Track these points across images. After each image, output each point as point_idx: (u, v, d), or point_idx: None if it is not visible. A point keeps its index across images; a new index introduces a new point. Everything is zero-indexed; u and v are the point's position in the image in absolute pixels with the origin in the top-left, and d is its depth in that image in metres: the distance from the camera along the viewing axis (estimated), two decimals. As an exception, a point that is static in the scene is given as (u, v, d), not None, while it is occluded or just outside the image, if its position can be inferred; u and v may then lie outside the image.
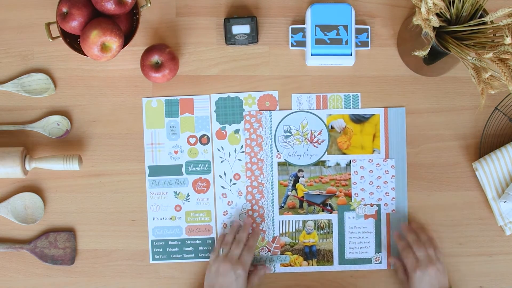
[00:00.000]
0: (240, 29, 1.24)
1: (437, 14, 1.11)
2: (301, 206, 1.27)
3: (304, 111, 1.27)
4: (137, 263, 1.26)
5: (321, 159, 1.27)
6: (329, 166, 1.27)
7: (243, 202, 1.26)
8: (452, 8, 1.11)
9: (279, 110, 1.27)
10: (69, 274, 1.25)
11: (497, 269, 1.26)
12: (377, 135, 1.27)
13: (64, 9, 1.16)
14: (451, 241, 1.27)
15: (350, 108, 1.27)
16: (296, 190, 1.27)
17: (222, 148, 1.27)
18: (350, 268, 1.26)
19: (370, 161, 1.27)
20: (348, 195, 1.27)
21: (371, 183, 1.27)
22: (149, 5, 1.21)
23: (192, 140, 1.27)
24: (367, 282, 1.26)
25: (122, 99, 1.27)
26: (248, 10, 1.28)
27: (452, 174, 1.27)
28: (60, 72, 1.27)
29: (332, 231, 1.26)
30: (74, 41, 1.23)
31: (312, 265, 1.26)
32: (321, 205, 1.27)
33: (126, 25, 1.22)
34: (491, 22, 1.10)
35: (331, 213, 1.26)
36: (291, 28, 1.25)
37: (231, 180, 1.27)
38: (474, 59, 1.08)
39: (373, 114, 1.27)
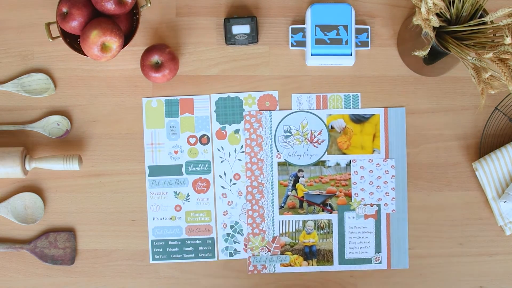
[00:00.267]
0: (240, 29, 1.25)
1: (437, 14, 1.11)
2: (301, 206, 1.27)
3: (304, 111, 1.27)
4: (137, 263, 1.26)
5: (321, 159, 1.27)
6: (329, 166, 1.27)
7: (243, 202, 1.26)
8: (452, 8, 1.11)
9: (279, 110, 1.27)
10: (69, 274, 1.25)
11: (497, 269, 1.26)
12: (377, 135, 1.27)
13: (64, 9, 1.16)
14: (451, 241, 1.27)
15: (350, 108, 1.27)
16: (296, 190, 1.27)
17: (222, 148, 1.27)
18: (350, 268, 1.26)
19: (370, 161, 1.27)
20: (348, 195, 1.27)
21: (371, 183, 1.27)
22: (149, 5, 1.21)
23: (192, 140, 1.27)
24: (367, 282, 1.26)
25: (122, 99, 1.27)
26: (248, 10, 1.28)
27: (452, 174, 1.27)
28: (60, 72, 1.27)
29: (332, 231, 1.27)
30: (74, 41, 1.23)
31: (312, 265, 1.26)
32: (321, 205, 1.27)
33: (126, 25, 1.22)
34: (491, 22, 1.10)
35: (331, 213, 1.27)
36: (291, 28, 1.25)
37: (231, 180, 1.27)
38: (474, 59, 1.08)
39: (373, 114, 1.27)
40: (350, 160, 1.27)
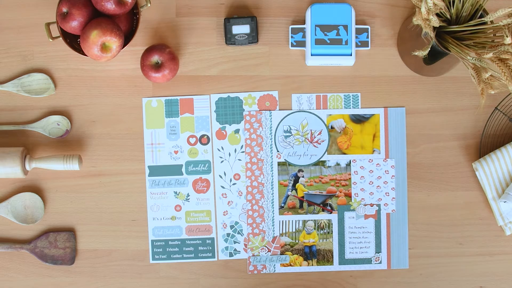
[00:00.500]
0: (240, 29, 1.25)
1: (437, 14, 1.11)
2: (301, 206, 1.27)
3: (304, 111, 1.27)
4: (137, 263, 1.26)
5: (321, 159, 1.27)
6: (329, 166, 1.27)
7: (243, 202, 1.26)
8: (452, 8, 1.11)
9: (279, 110, 1.27)
10: (69, 274, 1.25)
11: (497, 269, 1.26)
12: (377, 135, 1.27)
13: (64, 9, 1.16)
14: (451, 241, 1.27)
15: (350, 108, 1.27)
16: (296, 190, 1.27)
17: (222, 148, 1.27)
18: (350, 268, 1.26)
19: (370, 161, 1.27)
20: (348, 195, 1.27)
21: (371, 183, 1.27)
22: (149, 5, 1.21)
23: (192, 140, 1.27)
24: (367, 282, 1.26)
25: (122, 99, 1.27)
26: (248, 10, 1.28)
27: (452, 174, 1.27)
28: (60, 72, 1.27)
29: (332, 231, 1.27)
30: (74, 41, 1.23)
31: (312, 265, 1.26)
32: (321, 205, 1.27)
33: (126, 25, 1.22)
34: (491, 22, 1.10)
35: (331, 213, 1.27)
36: (291, 28, 1.25)
37: (231, 180, 1.27)
38: (474, 59, 1.08)
39: (373, 114, 1.27)
40: (350, 160, 1.27)
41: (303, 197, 1.27)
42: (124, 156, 1.26)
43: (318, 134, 1.27)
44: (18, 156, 1.19)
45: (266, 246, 1.26)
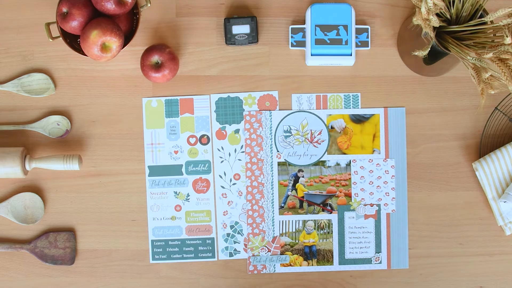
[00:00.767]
0: (240, 29, 1.25)
1: (437, 14, 1.11)
2: (301, 206, 1.27)
3: (304, 111, 1.27)
4: (137, 263, 1.26)
5: (321, 159, 1.27)
6: (329, 166, 1.27)
7: (243, 202, 1.26)
8: (452, 8, 1.11)
9: (279, 110, 1.27)
10: (69, 274, 1.25)
11: (497, 269, 1.26)
12: (377, 135, 1.27)
13: (64, 9, 1.16)
14: (451, 241, 1.27)
15: (350, 108, 1.27)
16: (296, 190, 1.27)
17: (222, 148, 1.27)
18: (350, 268, 1.26)
19: (370, 161, 1.27)
20: (348, 195, 1.27)
21: (371, 183, 1.27)
22: (149, 5, 1.21)
23: (192, 140, 1.27)
24: (367, 282, 1.26)
25: (122, 99, 1.27)
26: (248, 10, 1.28)
27: (452, 174, 1.27)
28: (60, 72, 1.27)
29: (332, 231, 1.26)
30: (74, 41, 1.23)
31: (312, 265, 1.26)
32: (321, 205, 1.27)
33: (126, 25, 1.22)
34: (491, 22, 1.10)
35: (331, 213, 1.27)
36: (291, 28, 1.25)
37: (231, 180, 1.27)
38: (474, 59, 1.08)
39: (373, 114, 1.27)
40: (350, 160, 1.27)
41: (303, 197, 1.27)
42: (124, 156, 1.26)
43: (318, 134, 1.27)
44: (18, 156, 1.19)
45: (266, 246, 1.26)
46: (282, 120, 1.27)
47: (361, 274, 1.26)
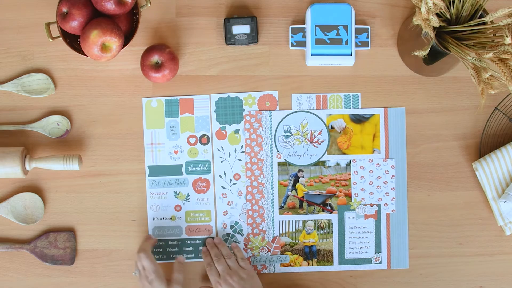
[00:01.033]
0: (240, 29, 1.25)
1: (437, 14, 1.11)
2: (301, 206, 1.27)
3: (304, 111, 1.27)
4: (137, 263, 1.26)
5: (321, 159, 1.27)
6: (329, 166, 1.27)
7: (243, 202, 1.26)
8: (452, 8, 1.11)
9: (279, 110, 1.27)
10: (69, 274, 1.25)
11: (497, 269, 1.26)
12: (377, 135, 1.27)
13: (64, 9, 1.16)
14: (451, 241, 1.27)
15: (350, 108, 1.27)
16: (296, 190, 1.27)
17: (222, 148, 1.27)
18: (350, 268, 1.26)
19: (370, 161, 1.27)
20: (348, 195, 1.27)
21: (371, 183, 1.27)
22: (149, 5, 1.21)
23: (192, 140, 1.27)
24: (367, 282, 1.26)
25: (122, 99, 1.27)
26: (248, 10, 1.28)
27: (452, 174, 1.27)
28: (60, 72, 1.27)
29: (332, 231, 1.26)
30: (74, 41, 1.23)
31: (312, 265, 1.26)
32: (321, 205, 1.27)
33: (126, 25, 1.22)
34: (491, 22, 1.10)
35: (331, 213, 1.26)
36: (291, 28, 1.25)
37: (231, 180, 1.27)
38: (474, 59, 1.08)
39: (373, 114, 1.27)
40: (350, 160, 1.27)
41: (303, 197, 1.27)
42: (124, 156, 1.26)
43: (318, 134, 1.27)
44: (18, 156, 1.19)
45: (266, 246, 1.26)
46: (282, 120, 1.27)
47: (361, 274, 1.26)
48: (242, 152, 1.27)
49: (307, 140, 1.27)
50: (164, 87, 1.27)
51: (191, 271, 1.26)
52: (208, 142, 1.27)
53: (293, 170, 1.27)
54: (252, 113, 1.27)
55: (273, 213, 1.26)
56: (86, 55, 1.18)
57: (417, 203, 1.27)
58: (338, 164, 1.27)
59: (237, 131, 1.27)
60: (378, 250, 1.26)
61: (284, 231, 1.26)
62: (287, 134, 1.27)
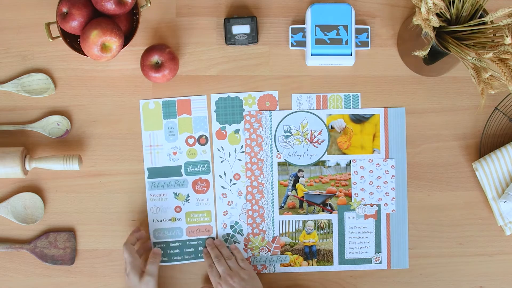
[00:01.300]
0: (240, 29, 1.25)
1: (437, 14, 1.11)
2: (301, 206, 1.27)
3: (304, 111, 1.27)
4: (137, 263, 1.25)
5: (321, 159, 1.27)
6: (329, 166, 1.27)
7: (243, 202, 1.26)
8: (452, 8, 1.11)
9: (279, 110, 1.27)
10: (69, 274, 1.25)
11: (497, 269, 1.26)
12: (377, 135, 1.27)
13: (64, 9, 1.16)
14: (451, 241, 1.27)
15: (350, 108, 1.27)
16: (296, 190, 1.27)
17: (222, 148, 1.27)
18: (350, 268, 1.26)
19: (370, 161, 1.27)
20: (348, 195, 1.27)
21: (371, 183, 1.27)
22: (149, 5, 1.21)
23: (191, 141, 1.26)
24: (367, 282, 1.26)
25: (122, 99, 1.27)
26: (248, 10, 1.28)
27: (452, 174, 1.27)
28: (60, 72, 1.27)
29: (332, 231, 1.26)
30: (74, 41, 1.23)
31: (312, 265, 1.26)
32: (321, 205, 1.27)
33: (126, 25, 1.22)
34: (491, 22, 1.10)
35: (331, 213, 1.26)
36: (291, 28, 1.25)
37: (231, 180, 1.27)
38: (474, 59, 1.08)
39: (373, 114, 1.27)
40: (350, 160, 1.27)
41: (303, 197, 1.27)
42: (124, 156, 1.26)
43: (318, 134, 1.27)
44: (18, 156, 1.19)
45: (266, 246, 1.26)
46: (282, 120, 1.27)
47: (361, 274, 1.26)
48: (242, 152, 1.27)
49: (307, 140, 1.27)
50: (164, 87, 1.27)
51: (192, 272, 1.26)
52: (207, 142, 1.27)
53: (293, 170, 1.27)
54: (252, 113, 1.27)
55: (273, 213, 1.26)
56: (86, 55, 1.18)
57: (417, 203, 1.27)
58: (338, 164, 1.27)
59: (237, 131, 1.27)
60: (378, 250, 1.26)
61: (284, 231, 1.26)
62: (287, 134, 1.27)
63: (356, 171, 1.27)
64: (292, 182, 1.27)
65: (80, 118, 1.26)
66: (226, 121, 1.27)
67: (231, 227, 1.26)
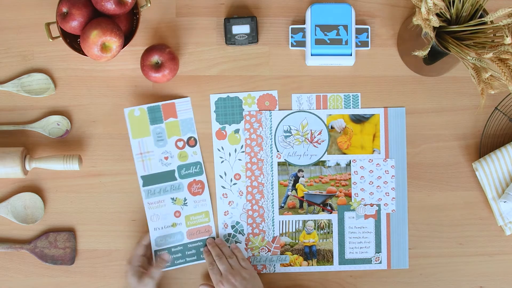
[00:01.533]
0: (240, 29, 1.24)
1: (437, 14, 1.11)
2: (301, 206, 1.27)
3: (304, 111, 1.27)
4: (137, 263, 1.25)
5: (321, 159, 1.27)
6: (329, 166, 1.27)
7: (243, 202, 1.26)
8: (452, 8, 1.11)
9: (279, 110, 1.27)
10: (69, 274, 1.25)
11: (497, 269, 1.26)
12: (377, 135, 1.27)
13: (64, 9, 1.16)
14: (451, 241, 1.27)
15: (350, 108, 1.27)
16: (296, 190, 1.27)
17: (222, 148, 1.27)
18: (350, 268, 1.26)
19: (370, 161, 1.27)
20: (348, 195, 1.27)
21: (371, 183, 1.27)
22: (149, 5, 1.21)
23: (180, 144, 1.26)
24: (367, 282, 1.26)
25: (122, 99, 1.27)
26: (248, 10, 1.28)
27: (452, 174, 1.27)
28: (60, 72, 1.27)
29: (332, 231, 1.26)
30: (74, 41, 1.23)
31: (312, 265, 1.26)
32: (321, 205, 1.27)
33: (126, 25, 1.22)
34: (491, 22, 1.10)
35: (331, 213, 1.26)
36: (291, 28, 1.25)
37: (231, 180, 1.26)
38: (474, 59, 1.08)
39: (373, 114, 1.27)
40: (350, 160, 1.27)
41: (303, 197, 1.27)
42: (124, 156, 1.26)
43: (318, 134, 1.27)
44: (18, 156, 1.19)
45: (266, 246, 1.26)
46: (282, 120, 1.27)
47: (361, 274, 1.26)
48: (242, 152, 1.27)
49: (307, 140, 1.27)
50: (164, 87, 1.27)
51: (192, 272, 1.26)
52: (196, 144, 1.26)
53: (293, 170, 1.27)
54: (252, 113, 1.27)
55: (273, 213, 1.26)
56: (86, 55, 1.18)
57: (417, 203, 1.27)
58: (338, 164, 1.27)
59: (237, 131, 1.27)
60: (378, 250, 1.26)
61: (284, 231, 1.26)
62: (287, 134, 1.27)
63: (356, 171, 1.27)
64: (292, 182, 1.27)
65: (80, 118, 1.26)
66: (226, 121, 1.27)
67: (232, 227, 1.26)
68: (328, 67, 1.27)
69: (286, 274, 1.26)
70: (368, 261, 1.26)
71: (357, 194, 1.27)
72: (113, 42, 1.15)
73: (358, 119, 1.27)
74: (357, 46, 1.25)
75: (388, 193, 1.27)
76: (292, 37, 1.25)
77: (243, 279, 1.16)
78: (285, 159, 1.27)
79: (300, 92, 1.27)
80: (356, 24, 1.27)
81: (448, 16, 1.12)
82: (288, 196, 1.27)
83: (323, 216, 1.27)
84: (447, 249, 1.27)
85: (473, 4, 1.10)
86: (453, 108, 1.27)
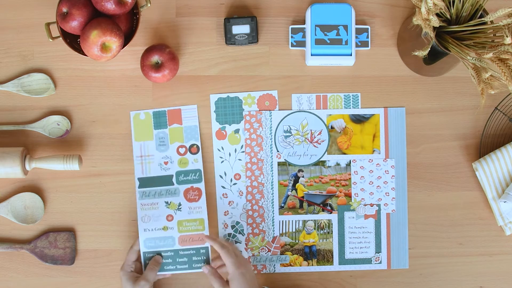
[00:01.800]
0: (240, 29, 1.25)
1: (437, 14, 1.11)
2: (301, 206, 1.27)
3: (304, 111, 1.27)
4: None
5: (321, 159, 1.27)
6: (329, 166, 1.27)
7: (243, 202, 1.26)
8: (452, 8, 1.11)
9: (279, 110, 1.27)
10: (69, 274, 1.25)
11: (497, 269, 1.26)
12: (377, 135, 1.27)
13: (64, 9, 1.16)
14: (451, 241, 1.27)
15: (350, 108, 1.27)
16: (296, 190, 1.27)
17: (222, 148, 1.27)
18: (350, 268, 1.26)
19: (370, 161, 1.27)
20: (348, 195, 1.27)
21: (371, 183, 1.27)
22: (149, 5, 1.21)
23: (182, 150, 1.26)
24: (367, 282, 1.26)
25: (122, 99, 1.27)
26: (248, 10, 1.28)
27: (452, 174, 1.27)
28: (60, 72, 1.27)
29: (332, 231, 1.26)
30: (74, 41, 1.23)
31: (312, 265, 1.26)
32: (321, 205, 1.27)
33: (126, 25, 1.22)
34: (491, 22, 1.10)
35: (331, 213, 1.26)
36: (291, 28, 1.25)
37: (231, 180, 1.26)
38: (474, 59, 1.08)
39: (373, 114, 1.27)
40: (350, 160, 1.27)
41: (303, 197, 1.27)
42: (124, 156, 1.26)
43: (318, 134, 1.27)
44: (18, 156, 1.19)
45: (266, 246, 1.26)
46: (282, 120, 1.27)
47: (361, 274, 1.26)
48: (242, 152, 1.27)
49: (307, 140, 1.27)
50: (164, 87, 1.27)
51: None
52: (198, 151, 1.26)
53: (293, 170, 1.27)
54: (252, 113, 1.27)
55: (273, 213, 1.26)
56: (86, 55, 1.18)
57: (417, 203, 1.27)
58: (338, 164, 1.27)
59: (237, 131, 1.27)
60: (378, 250, 1.26)
61: (284, 231, 1.26)
62: (287, 134, 1.27)
63: (356, 171, 1.27)
64: (292, 182, 1.27)
65: (80, 118, 1.26)
66: (226, 121, 1.27)
67: (232, 227, 1.26)
68: (328, 67, 1.27)
69: (286, 274, 1.26)
70: (368, 261, 1.26)
71: (357, 194, 1.27)
72: (113, 42, 1.15)
73: (358, 119, 1.27)
74: (357, 46, 1.25)
75: (388, 193, 1.27)
76: (292, 37, 1.25)
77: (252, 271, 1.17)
78: (285, 159, 1.27)
79: (300, 92, 1.27)
80: (356, 24, 1.27)
81: (448, 16, 1.12)
82: (288, 196, 1.27)
83: (323, 216, 1.27)
84: (447, 249, 1.27)
85: (473, 4, 1.10)
86: (453, 108, 1.27)
